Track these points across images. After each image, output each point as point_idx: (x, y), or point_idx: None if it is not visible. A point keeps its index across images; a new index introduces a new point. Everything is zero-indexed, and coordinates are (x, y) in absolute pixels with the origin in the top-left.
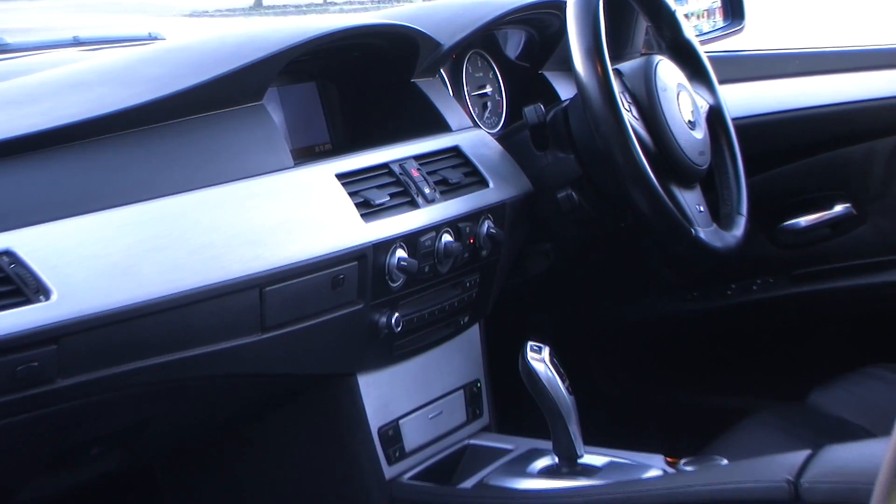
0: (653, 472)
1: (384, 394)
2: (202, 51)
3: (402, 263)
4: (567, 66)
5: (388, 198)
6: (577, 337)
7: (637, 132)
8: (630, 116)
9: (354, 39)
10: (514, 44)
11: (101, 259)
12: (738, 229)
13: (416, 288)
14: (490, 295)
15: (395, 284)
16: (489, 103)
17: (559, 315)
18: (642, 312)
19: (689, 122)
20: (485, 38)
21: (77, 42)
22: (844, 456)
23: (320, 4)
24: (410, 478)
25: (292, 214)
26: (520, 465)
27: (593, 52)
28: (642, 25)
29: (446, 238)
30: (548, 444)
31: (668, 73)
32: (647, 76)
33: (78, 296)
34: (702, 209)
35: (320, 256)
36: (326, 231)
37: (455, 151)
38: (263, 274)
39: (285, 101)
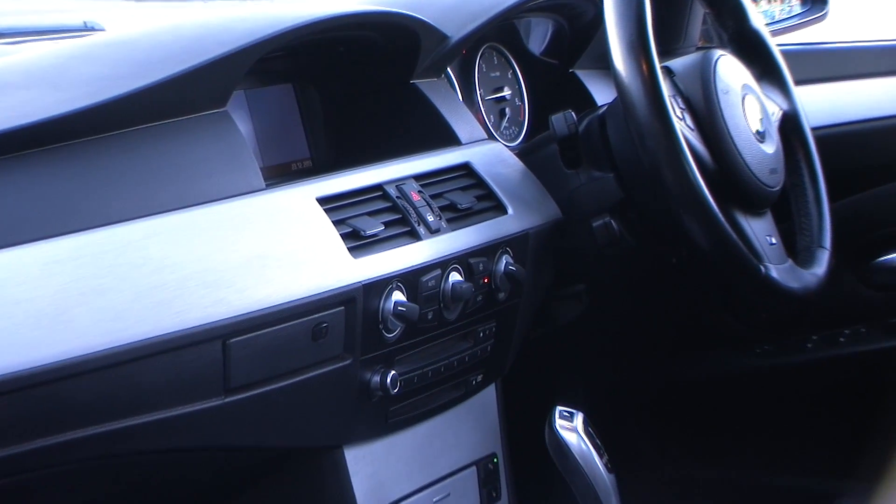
0: None
1: (378, 471)
2: (151, 45)
3: (399, 309)
4: (604, 64)
5: (383, 227)
6: (618, 401)
7: (692, 145)
8: (683, 126)
9: (340, 31)
10: (539, 36)
11: (25, 304)
12: (820, 266)
13: (418, 339)
14: (509, 348)
15: (390, 335)
16: (507, 110)
17: (595, 373)
18: (699, 370)
19: (758, 132)
20: (503, 30)
21: None
22: None
23: None
24: None
25: (263, 248)
26: None
27: (637, 46)
28: (699, 12)
29: (454, 277)
30: None
31: (730, 71)
32: (705, 75)
33: None
34: (773, 241)
35: (298, 300)
36: (305, 268)
37: (465, 170)
38: (227, 322)
39: (255, 107)
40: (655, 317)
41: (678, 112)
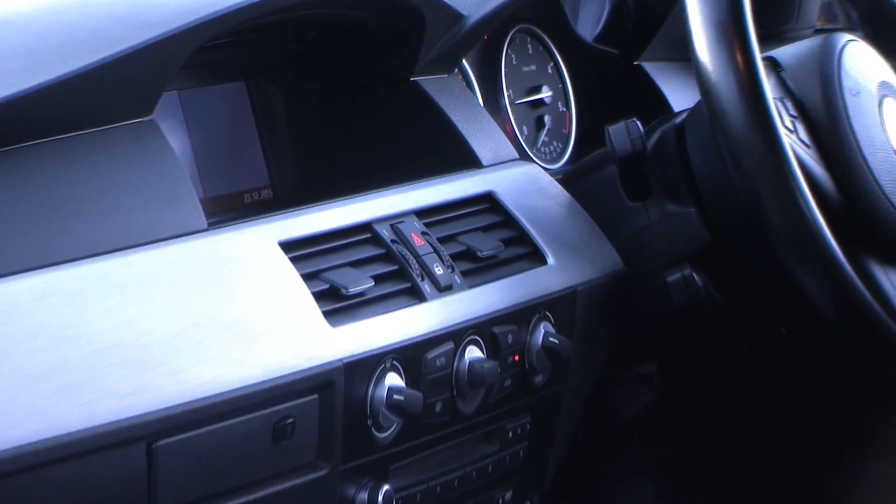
0: None
1: None
2: (45, 29)
3: (395, 398)
4: (683, 54)
5: (372, 283)
6: None
7: (807, 168)
8: (794, 140)
9: (314, 8)
10: (591, 15)
11: None
12: None
13: (421, 441)
14: (550, 453)
15: (383, 435)
16: (547, 118)
17: (675, 489)
18: (829, 483)
19: None
20: (540, 6)
21: None
22: None
23: None
24: None
25: (204, 313)
26: None
27: (730, 29)
28: None
29: (473, 353)
30: None
31: (862, 63)
32: (826, 70)
33: None
34: None
35: (253, 385)
36: (263, 341)
37: (488, 202)
38: (154, 417)
39: (193, 114)
40: (760, 410)
41: (788, 121)
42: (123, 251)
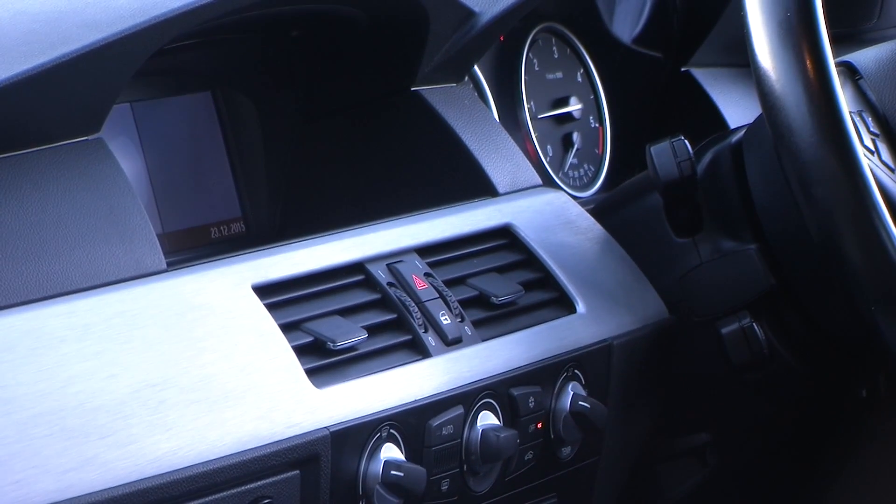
0: None
1: None
2: None
3: (393, 474)
4: (739, 58)
5: (365, 335)
6: None
7: (892, 197)
8: (875, 163)
9: (296, 3)
10: (629, 13)
11: None
12: None
13: None
14: None
15: None
16: (577, 136)
17: None
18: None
19: None
20: (568, 2)
21: None
22: None
23: None
24: None
25: (161, 372)
26: None
27: (797, 28)
28: None
29: (487, 420)
30: None
31: None
32: None
33: None
34: None
35: (221, 459)
36: (234, 405)
37: (505, 237)
38: (99, 499)
39: (150, 131)
40: (839, 487)
41: (868, 140)
42: (64, 297)
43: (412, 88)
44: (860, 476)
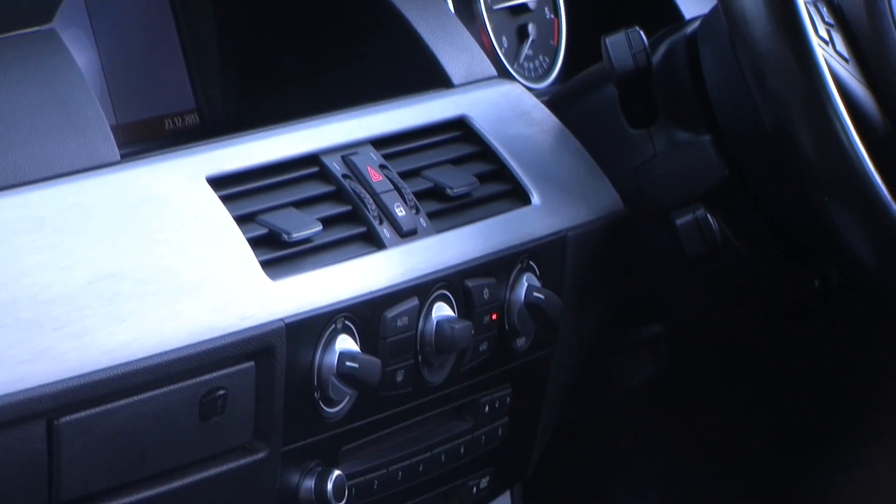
0: None
1: None
2: None
3: (347, 365)
4: None
5: (320, 227)
6: None
7: (846, 88)
8: (830, 53)
9: None
10: None
11: None
12: None
13: (379, 418)
14: (534, 434)
15: (333, 410)
16: (531, 27)
17: (681, 479)
18: (874, 476)
19: None
20: None
21: None
22: None
23: None
24: None
25: (115, 264)
26: None
27: None
28: None
29: (442, 311)
30: None
31: None
32: None
33: None
34: None
35: (175, 350)
36: (189, 297)
37: (460, 129)
38: (56, 389)
39: (102, 22)
40: (788, 383)
41: (822, 30)
42: (16, 189)
43: None
44: (860, 474)
